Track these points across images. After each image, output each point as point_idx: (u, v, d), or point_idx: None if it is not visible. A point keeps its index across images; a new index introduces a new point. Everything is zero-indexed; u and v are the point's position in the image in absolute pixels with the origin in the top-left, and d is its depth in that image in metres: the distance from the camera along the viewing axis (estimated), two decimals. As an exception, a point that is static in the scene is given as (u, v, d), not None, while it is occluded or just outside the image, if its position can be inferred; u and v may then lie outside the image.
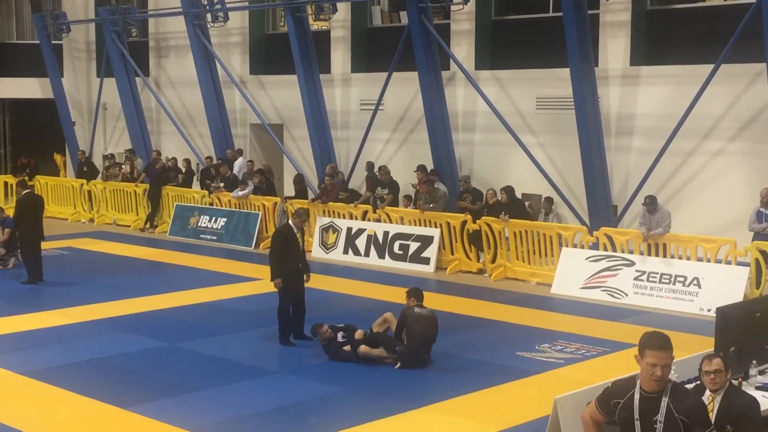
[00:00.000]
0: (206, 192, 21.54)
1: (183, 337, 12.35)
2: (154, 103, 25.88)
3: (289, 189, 21.90)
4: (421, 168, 18.75)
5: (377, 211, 18.41)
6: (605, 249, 15.38)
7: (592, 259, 15.28)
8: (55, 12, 27.39)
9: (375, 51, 22.12)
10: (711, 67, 15.79)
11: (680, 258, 14.72)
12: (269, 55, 24.31)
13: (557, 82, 18.02)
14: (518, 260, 16.43)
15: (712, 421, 6.11)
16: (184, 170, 23.05)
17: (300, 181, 20.72)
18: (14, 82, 28.53)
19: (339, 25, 22.09)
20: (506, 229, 16.43)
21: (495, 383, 10.35)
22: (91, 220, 23.52)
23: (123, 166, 24.02)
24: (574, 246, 15.79)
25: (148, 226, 22.15)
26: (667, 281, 14.42)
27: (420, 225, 17.70)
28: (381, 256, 17.83)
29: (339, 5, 20.98)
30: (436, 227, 17.41)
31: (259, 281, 15.71)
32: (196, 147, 24.43)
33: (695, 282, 14.16)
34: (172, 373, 10.82)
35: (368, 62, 22.16)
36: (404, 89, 20.47)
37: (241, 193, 20.44)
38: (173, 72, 26.11)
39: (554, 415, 6.68)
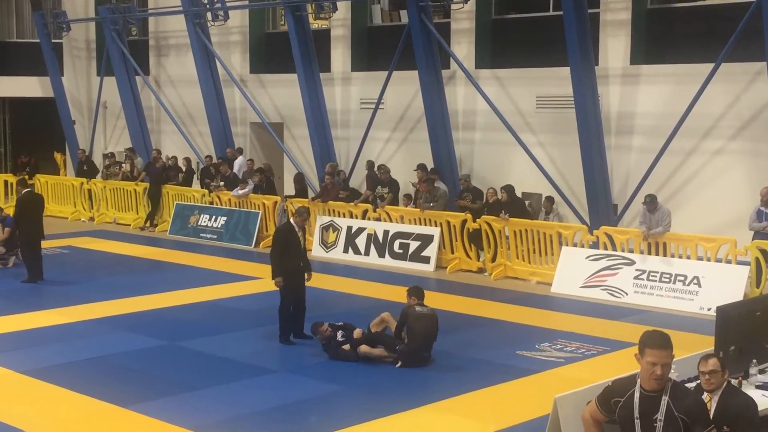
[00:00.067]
0: (206, 191, 21.54)
1: (183, 335, 12.35)
2: (154, 102, 25.88)
3: (289, 188, 21.90)
4: (421, 167, 18.75)
5: (377, 210, 18.41)
6: (605, 248, 15.38)
7: (592, 258, 15.28)
8: (55, 11, 27.41)
9: (375, 50, 22.12)
10: (711, 66, 15.79)
11: (680, 257, 14.72)
12: (269, 53, 24.31)
13: (557, 81, 18.02)
14: (518, 259, 16.43)
15: None
16: (184, 169, 23.04)
17: (300, 179, 20.72)
18: (14, 81, 28.53)
19: (339, 23, 22.09)
20: (506, 228, 16.43)
21: (495, 382, 10.35)
22: (92, 219, 23.53)
23: (123, 165, 24.03)
24: (575, 245, 15.79)
25: (148, 224, 22.15)
26: (668, 280, 14.42)
27: (420, 224, 17.70)
28: (381, 255, 17.83)
29: (339, 4, 20.99)
30: (436, 226, 17.41)
31: (259, 280, 15.72)
32: (196, 146, 24.43)
33: (695, 281, 14.16)
34: (173, 371, 10.82)
35: (368, 61, 22.16)
36: (404, 88, 20.47)
37: (241, 191, 20.44)
38: (173, 71, 26.10)
39: (554, 414, 6.68)
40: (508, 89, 19.25)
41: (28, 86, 28.43)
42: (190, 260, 18.24)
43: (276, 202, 19.95)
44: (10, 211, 17.71)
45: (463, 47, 19.91)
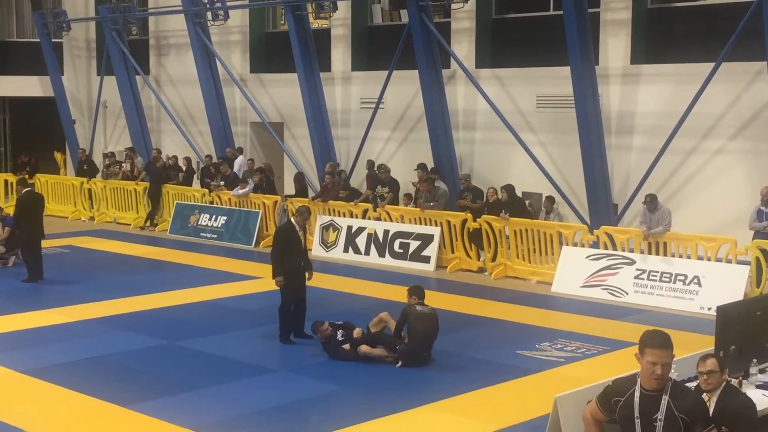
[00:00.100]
0: (206, 190, 21.54)
1: (183, 335, 12.35)
2: (155, 102, 25.88)
3: (289, 187, 21.90)
4: (422, 166, 18.75)
5: (377, 209, 18.41)
6: (606, 247, 15.38)
7: (592, 257, 15.27)
8: (55, 10, 27.41)
9: (375, 49, 22.12)
10: (711, 65, 15.79)
11: (681, 257, 14.72)
12: (269, 53, 24.31)
13: (558, 80, 18.01)
14: (519, 259, 16.43)
15: None
16: (184, 168, 23.04)
17: (300, 179, 20.71)
18: (14, 81, 28.53)
19: (339, 23, 22.09)
20: (507, 228, 16.43)
21: (495, 382, 10.35)
22: (92, 219, 23.53)
23: (123, 165, 24.03)
24: (575, 244, 15.78)
25: (148, 224, 22.15)
26: (668, 280, 14.41)
27: (420, 223, 17.70)
28: (381, 254, 17.83)
29: (339, 3, 20.98)
30: (436, 226, 17.41)
31: (259, 279, 15.72)
32: (197, 145, 24.43)
33: (695, 281, 14.16)
34: (173, 371, 10.82)
35: (369, 60, 22.15)
36: (405, 87, 20.47)
37: (241, 191, 20.44)
38: (173, 70, 26.10)
39: (554, 414, 6.67)
40: (509, 89, 19.25)
41: (29, 86, 28.43)
42: (190, 260, 18.24)
43: (276, 202, 19.94)
44: (11, 211, 17.71)
45: (463, 47, 19.90)
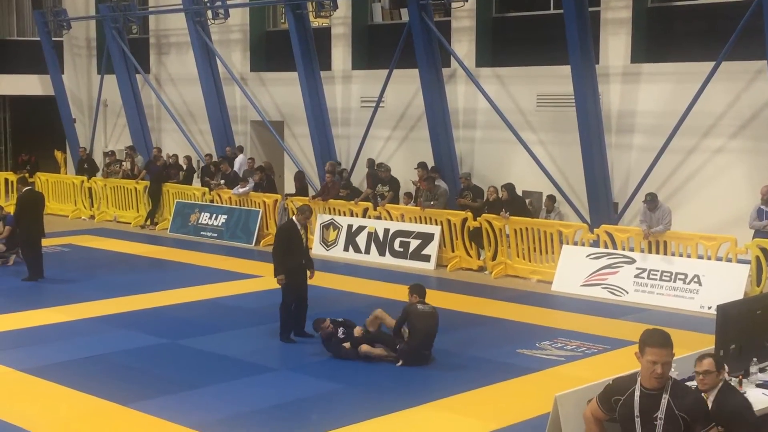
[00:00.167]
0: (207, 189, 21.54)
1: (183, 334, 12.35)
2: (155, 100, 25.88)
3: (289, 186, 21.90)
4: (422, 165, 18.75)
5: (378, 208, 18.41)
6: (606, 246, 15.38)
7: (592, 256, 15.28)
8: (55, 9, 27.42)
9: (376, 48, 22.12)
10: (712, 64, 15.79)
11: (681, 255, 14.72)
12: (270, 52, 24.31)
13: (558, 79, 18.01)
14: (519, 257, 16.43)
15: None
16: (184, 167, 23.04)
17: (300, 178, 20.71)
18: (15, 79, 28.54)
19: (339, 22, 22.09)
20: (507, 227, 16.43)
21: (495, 380, 10.35)
22: (92, 217, 23.54)
23: (123, 163, 24.04)
24: (575, 243, 15.79)
25: (148, 223, 22.16)
26: (668, 279, 14.41)
27: (420, 222, 17.70)
28: (381, 253, 17.83)
29: (339, 2, 20.97)
30: (436, 224, 17.41)
31: (259, 278, 15.73)
32: (197, 144, 24.43)
33: (696, 279, 14.16)
34: (173, 370, 10.82)
35: (369, 59, 22.15)
36: (405, 86, 20.47)
37: (241, 190, 20.44)
38: (174, 69, 26.10)
39: (555, 413, 6.68)
40: (509, 87, 19.25)
41: (29, 84, 28.44)
42: (190, 258, 18.24)
43: (276, 201, 19.94)
44: (11, 210, 17.71)
45: (463, 45, 19.90)
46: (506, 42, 20.08)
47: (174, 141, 25.57)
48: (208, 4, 22.88)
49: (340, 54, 22.30)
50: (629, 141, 17.63)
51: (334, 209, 18.97)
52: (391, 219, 18.11)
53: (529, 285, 15.85)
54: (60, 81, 27.25)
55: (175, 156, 23.46)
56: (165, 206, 22.11)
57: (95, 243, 19.96)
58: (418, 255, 17.36)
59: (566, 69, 16.96)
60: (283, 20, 23.59)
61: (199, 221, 20.94)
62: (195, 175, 23.38)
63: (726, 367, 6.96)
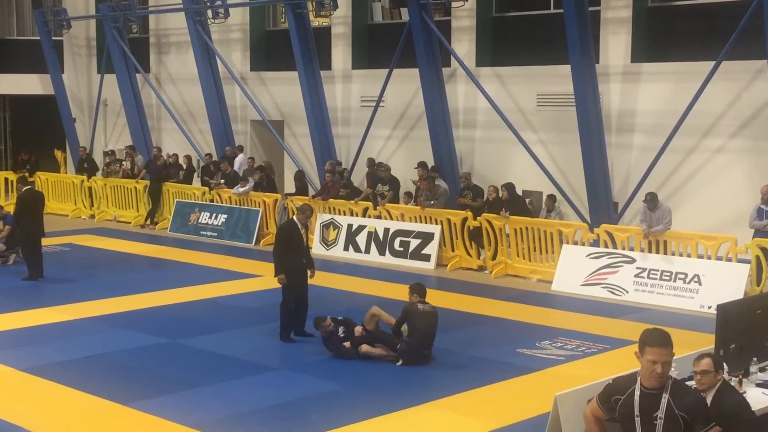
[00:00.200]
0: (207, 188, 21.54)
1: (183, 333, 12.35)
2: (155, 100, 25.87)
3: (289, 186, 21.90)
4: (422, 165, 18.75)
5: (378, 207, 18.40)
6: (606, 246, 15.38)
7: (592, 256, 15.28)
8: (55, 8, 27.41)
9: (376, 47, 22.12)
10: (712, 64, 15.78)
11: (681, 255, 14.72)
12: (270, 51, 24.30)
13: (558, 78, 18.01)
14: (519, 257, 16.43)
15: None
16: (184, 167, 23.04)
17: (300, 177, 20.71)
18: (15, 79, 28.53)
19: (340, 21, 22.08)
20: (507, 226, 16.43)
21: (495, 380, 10.35)
22: (92, 217, 23.54)
23: (123, 163, 24.04)
24: (575, 243, 15.79)
25: (148, 222, 22.16)
26: (668, 278, 14.41)
27: (420, 222, 17.70)
28: (381, 252, 17.83)
29: (340, 1, 20.96)
30: (436, 224, 17.41)
31: (259, 278, 15.74)
32: (197, 143, 24.43)
33: (696, 279, 14.16)
34: (173, 369, 10.82)
35: (369, 59, 22.15)
36: (405, 86, 20.46)
37: (241, 189, 20.44)
38: (174, 68, 26.10)
39: (555, 412, 6.68)
40: (509, 87, 19.24)
41: (29, 84, 28.43)
42: (190, 258, 18.24)
43: (276, 200, 19.95)
44: (11, 209, 17.71)
45: (463, 45, 19.90)
46: (506, 41, 20.08)
47: (174, 140, 25.57)
48: (208, 4, 22.87)
49: (340, 53, 22.30)
50: (629, 140, 17.62)
51: (334, 209, 18.96)
52: (391, 218, 18.11)
53: (529, 284, 15.85)
54: (60, 80, 27.25)
55: (175, 155, 23.46)
56: (165, 206, 22.11)
57: (95, 242, 19.97)
58: (418, 254, 17.36)
59: (566, 68, 16.96)
60: (283, 20, 23.58)
61: (199, 221, 20.94)
62: (195, 175, 23.39)
63: (726, 366, 6.96)
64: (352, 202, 18.79)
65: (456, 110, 19.84)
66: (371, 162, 20.43)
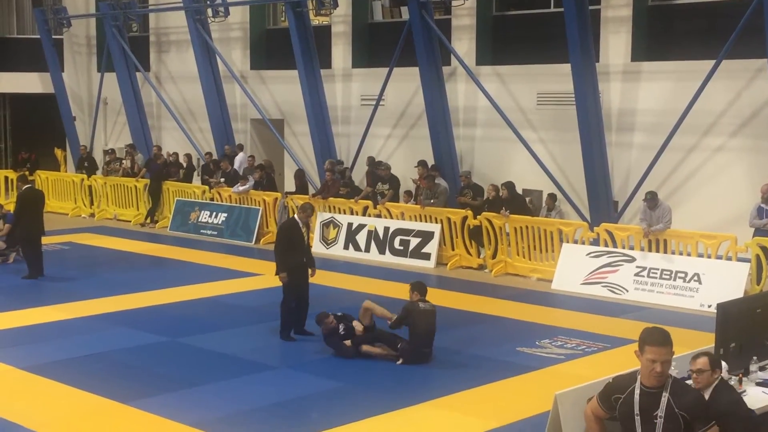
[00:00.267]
0: (207, 187, 21.54)
1: (183, 332, 12.35)
2: (155, 98, 25.87)
3: (289, 184, 21.90)
4: (422, 163, 18.76)
5: (378, 206, 18.40)
6: (606, 245, 15.38)
7: (592, 254, 15.28)
8: (55, 7, 27.37)
9: (376, 46, 22.12)
10: (712, 63, 15.78)
11: (681, 254, 14.72)
12: (270, 50, 24.30)
13: (558, 77, 18.01)
14: (519, 256, 16.43)
15: None
16: (185, 165, 23.04)
17: (301, 176, 20.70)
18: (15, 77, 28.54)
19: (340, 20, 22.08)
20: (507, 225, 16.43)
21: (495, 379, 10.36)
22: (92, 215, 23.54)
23: (123, 161, 24.04)
24: (575, 242, 15.79)
25: (148, 221, 22.16)
26: (668, 277, 14.42)
27: (420, 220, 17.70)
28: (381, 251, 17.83)
29: (340, 0, 20.96)
30: (436, 223, 17.41)
31: (259, 276, 15.74)
32: (197, 142, 24.43)
33: (696, 278, 14.16)
34: (173, 368, 10.82)
35: (369, 57, 22.15)
36: (405, 84, 20.46)
37: (241, 188, 20.45)
38: (174, 67, 26.10)
39: (555, 411, 6.68)
40: (509, 86, 19.24)
41: (29, 82, 28.43)
42: (190, 257, 18.24)
43: (276, 199, 19.94)
44: (11, 208, 17.71)
45: (463, 44, 19.90)
46: (506, 40, 20.07)
47: (174, 139, 25.56)
48: (208, 2, 22.88)
49: (341, 52, 22.30)
50: (629, 139, 17.62)
51: (334, 207, 18.97)
52: (391, 217, 18.11)
53: (529, 283, 15.85)
54: (60, 79, 27.25)
55: (176, 154, 23.46)
56: (165, 204, 22.11)
57: (95, 241, 19.97)
58: (418, 253, 17.36)
59: (566, 67, 16.96)
60: (283, 18, 23.58)
61: (199, 219, 20.94)
62: (195, 173, 23.39)
63: (726, 365, 6.97)
64: (352, 200, 18.79)
65: (456, 109, 19.84)
66: (371, 161, 20.43)
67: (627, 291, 14.68)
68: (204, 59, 23.24)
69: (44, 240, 16.61)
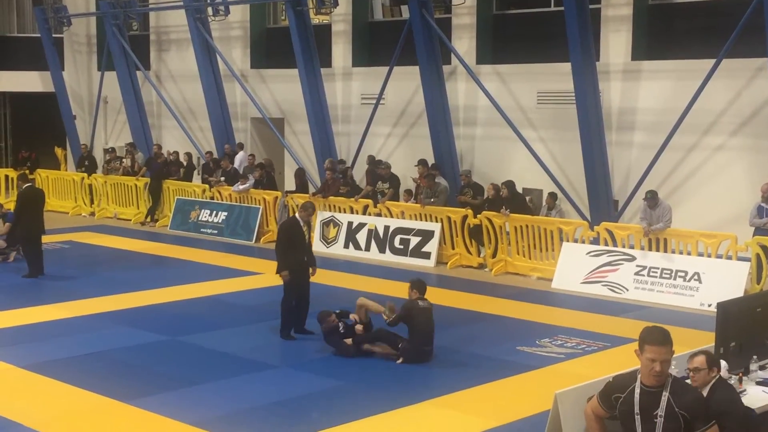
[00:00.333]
0: (207, 186, 21.54)
1: (183, 330, 12.36)
2: (155, 97, 25.88)
3: (289, 183, 21.90)
4: (422, 162, 18.76)
5: (378, 205, 18.40)
6: (606, 244, 15.38)
7: (592, 254, 15.28)
8: (56, 5, 27.35)
9: (376, 45, 22.12)
10: (712, 62, 15.78)
11: (681, 253, 14.72)
12: (270, 48, 24.30)
13: (558, 76, 18.01)
14: (519, 255, 16.43)
15: None
16: (185, 164, 23.04)
17: (301, 175, 20.70)
18: (15, 76, 28.53)
19: (340, 19, 22.07)
20: (507, 224, 16.43)
21: (496, 378, 10.36)
22: (92, 214, 23.54)
23: (124, 160, 24.03)
24: (575, 241, 15.79)
25: (148, 219, 22.16)
26: (668, 276, 14.41)
27: (421, 219, 17.70)
28: (382, 250, 17.83)
29: (340, -1, 20.99)
30: (436, 222, 17.41)
31: (259, 275, 15.74)
32: (197, 141, 24.43)
33: (696, 277, 14.16)
34: (173, 366, 10.83)
35: (369, 56, 22.14)
36: (405, 83, 20.46)
37: (241, 187, 20.45)
38: (174, 66, 26.10)
39: (555, 410, 6.68)
40: (509, 85, 19.24)
41: (29, 81, 28.43)
42: (190, 255, 18.24)
43: (276, 198, 19.94)
44: (11, 206, 17.70)
45: (464, 43, 19.90)
46: (507, 39, 20.07)
47: (174, 138, 25.56)
48: (209, 1, 22.89)
49: (341, 51, 22.30)
50: (630, 138, 17.63)
51: (335, 206, 18.96)
52: (392, 216, 18.11)
53: (529, 282, 15.85)
54: (60, 78, 27.25)
55: (176, 153, 23.46)
56: (165, 203, 22.11)
57: (95, 240, 19.97)
58: (419, 252, 17.36)
59: (567, 66, 16.96)
60: (283, 17, 23.58)
61: (200, 218, 20.94)
62: (195, 172, 23.39)
63: (726, 364, 6.97)
64: (353, 199, 18.78)
65: (456, 108, 19.84)
66: (371, 159, 20.43)
67: (627, 290, 14.68)
68: (204, 58, 23.24)
69: (44, 239, 16.61)
